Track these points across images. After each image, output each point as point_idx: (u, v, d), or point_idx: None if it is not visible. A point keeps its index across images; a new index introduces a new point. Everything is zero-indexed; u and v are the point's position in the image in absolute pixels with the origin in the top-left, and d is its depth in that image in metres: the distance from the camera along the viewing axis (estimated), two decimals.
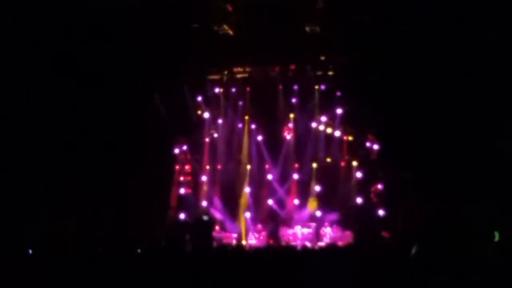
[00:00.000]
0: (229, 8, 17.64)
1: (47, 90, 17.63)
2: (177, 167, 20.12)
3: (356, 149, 19.71)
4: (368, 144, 19.23)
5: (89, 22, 17.33)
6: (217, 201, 19.92)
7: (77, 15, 16.96)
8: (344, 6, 17.49)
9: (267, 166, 19.98)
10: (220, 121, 20.56)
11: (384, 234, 17.50)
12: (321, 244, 18.51)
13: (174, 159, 20.12)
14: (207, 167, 20.20)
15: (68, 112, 17.93)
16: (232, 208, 19.77)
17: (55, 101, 17.75)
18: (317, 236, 18.76)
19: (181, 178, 20.11)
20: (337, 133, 19.65)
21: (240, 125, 20.43)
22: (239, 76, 20.79)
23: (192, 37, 18.63)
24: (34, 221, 16.70)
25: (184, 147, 20.17)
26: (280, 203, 19.73)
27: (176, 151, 20.01)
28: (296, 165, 19.90)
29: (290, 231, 18.82)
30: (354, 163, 19.32)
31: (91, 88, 17.99)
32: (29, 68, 17.20)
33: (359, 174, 19.08)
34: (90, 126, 17.95)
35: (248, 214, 19.21)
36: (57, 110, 17.79)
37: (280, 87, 20.20)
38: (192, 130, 20.55)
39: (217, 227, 19.04)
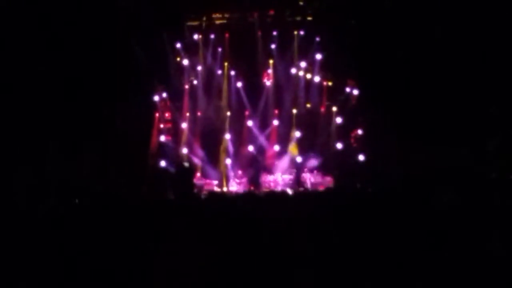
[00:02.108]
0: None
1: (27, 43, 17.25)
2: (157, 114, 20.02)
3: (336, 95, 19.70)
4: (347, 89, 19.26)
5: None
6: (197, 148, 19.89)
7: None
8: None
9: (247, 113, 19.98)
10: (199, 68, 20.42)
11: None
12: (304, 188, 18.63)
13: (154, 106, 20.02)
14: (187, 114, 20.13)
15: (48, 62, 17.62)
16: (212, 155, 19.88)
17: (35, 53, 17.40)
18: (298, 182, 18.86)
19: (161, 126, 20.08)
20: (317, 79, 19.63)
21: (219, 72, 20.39)
22: (217, 22, 20.77)
23: None
24: (15, 171, 16.32)
25: (164, 95, 20.05)
26: (261, 149, 19.81)
27: (156, 98, 19.90)
28: (276, 111, 19.90)
29: (271, 177, 18.97)
30: (334, 109, 19.35)
31: (69, 37, 17.70)
32: (6, 21, 16.82)
33: (339, 120, 19.14)
34: (69, 74, 17.76)
35: (228, 161, 19.35)
36: (37, 61, 17.45)
37: (259, 33, 20.03)
38: (171, 77, 20.42)
39: (198, 174, 19.14)
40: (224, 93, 20.47)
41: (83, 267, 8.06)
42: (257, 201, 14.92)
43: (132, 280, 7.92)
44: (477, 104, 16.95)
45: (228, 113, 20.10)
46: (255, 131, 19.99)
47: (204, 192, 18.47)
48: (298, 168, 19.46)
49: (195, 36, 20.59)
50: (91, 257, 8.32)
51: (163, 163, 19.23)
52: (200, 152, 20.05)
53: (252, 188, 18.85)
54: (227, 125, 20.07)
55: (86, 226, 9.80)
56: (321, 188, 18.21)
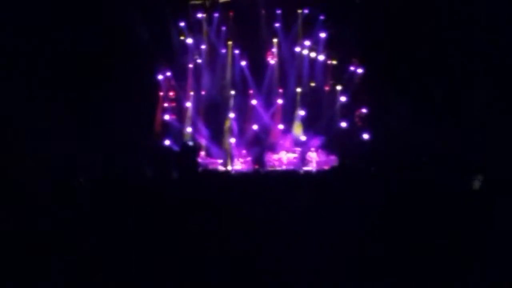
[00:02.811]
0: None
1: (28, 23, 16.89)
2: (161, 93, 20.17)
3: (341, 73, 19.73)
4: (352, 68, 19.36)
5: None
6: (202, 127, 20.03)
7: None
8: None
9: (251, 92, 20.06)
10: (203, 46, 20.48)
11: None
12: (307, 168, 18.80)
13: (158, 85, 20.12)
14: (191, 93, 20.21)
15: (51, 42, 17.43)
16: (217, 133, 19.99)
17: (34, 33, 17.07)
18: (303, 160, 19.04)
19: (166, 105, 20.16)
20: (321, 58, 19.68)
21: (223, 51, 20.43)
22: (221, 1, 20.57)
23: None
24: (20, 147, 15.92)
25: (168, 73, 20.11)
26: (265, 128, 19.99)
27: (160, 77, 19.98)
28: (280, 90, 19.96)
29: (275, 156, 19.12)
30: (338, 87, 19.41)
31: (69, 16, 17.51)
32: None
33: (343, 98, 19.25)
34: (75, 52, 17.65)
35: (233, 140, 19.49)
36: (39, 41, 17.21)
37: (263, 11, 20.08)
38: (175, 56, 20.48)
39: (202, 153, 19.34)
40: (228, 72, 20.42)
41: (87, 248, 8.27)
42: (263, 180, 15.61)
43: (137, 259, 7.98)
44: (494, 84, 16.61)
45: (233, 92, 20.07)
46: (259, 110, 19.99)
47: (209, 171, 18.47)
48: (302, 147, 19.45)
49: (199, 15, 20.45)
50: (95, 238, 8.59)
51: (167, 142, 19.27)
52: (204, 131, 20.02)
53: (256, 167, 18.96)
54: (231, 104, 20.10)
55: (90, 206, 9.92)
56: (326, 168, 18.35)
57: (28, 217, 9.68)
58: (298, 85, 20.00)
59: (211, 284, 7.50)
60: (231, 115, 19.89)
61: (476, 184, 12.93)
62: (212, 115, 20.32)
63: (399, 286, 7.23)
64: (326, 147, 19.16)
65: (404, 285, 7.21)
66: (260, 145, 19.80)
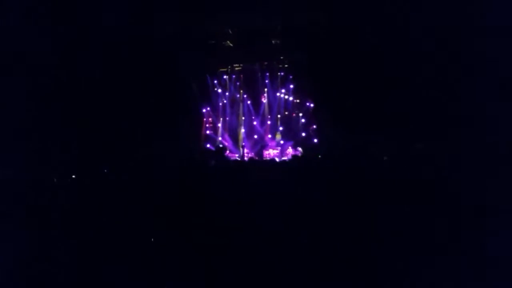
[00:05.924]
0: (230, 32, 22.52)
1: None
2: (205, 119, 25.53)
3: (301, 106, 24.87)
4: (307, 103, 24.22)
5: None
6: (227, 137, 25.28)
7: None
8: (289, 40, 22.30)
9: (253, 117, 25.04)
10: (227, 93, 25.82)
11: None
12: (284, 158, 22.63)
13: (202, 115, 25.64)
14: (221, 118, 25.37)
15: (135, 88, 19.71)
16: (235, 140, 25.04)
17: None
18: (282, 154, 23.51)
19: (207, 125, 25.39)
20: (290, 98, 24.89)
21: (238, 95, 25.80)
22: (237, 69, 26.22)
23: (211, 49, 23.60)
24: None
25: (208, 108, 25.47)
26: (261, 137, 24.84)
27: (204, 110, 25.46)
28: (269, 116, 25.05)
29: (266, 152, 23.76)
30: (300, 114, 24.41)
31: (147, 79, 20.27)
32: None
33: (303, 120, 24.18)
34: (148, 99, 20.29)
35: (243, 143, 24.33)
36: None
37: (259, 74, 25.52)
38: (212, 99, 25.89)
39: (227, 151, 23.51)
40: (240, 107, 25.84)
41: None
42: (260, 164, 18.29)
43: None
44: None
45: (243, 118, 25.30)
46: (258, 127, 25.13)
47: (231, 160, 21.57)
48: (281, 147, 24.12)
49: (224, 76, 26.06)
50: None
51: (208, 145, 24.28)
52: (228, 139, 25.27)
53: (256, 158, 22.93)
54: (242, 124, 25.36)
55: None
56: (296, 155, 22.15)
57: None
58: (278, 113, 24.83)
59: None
60: (242, 130, 24.74)
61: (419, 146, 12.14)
62: (232, 131, 25.20)
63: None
64: (294, 146, 23.63)
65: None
66: (257, 146, 24.55)
